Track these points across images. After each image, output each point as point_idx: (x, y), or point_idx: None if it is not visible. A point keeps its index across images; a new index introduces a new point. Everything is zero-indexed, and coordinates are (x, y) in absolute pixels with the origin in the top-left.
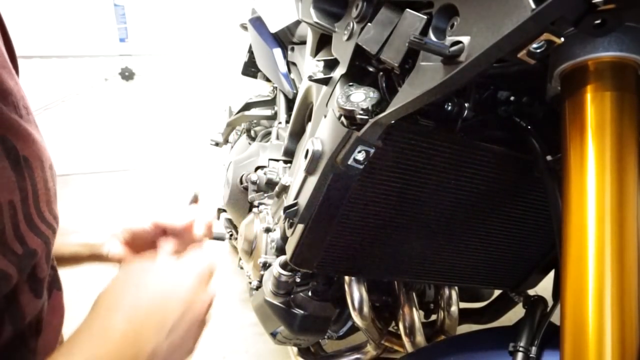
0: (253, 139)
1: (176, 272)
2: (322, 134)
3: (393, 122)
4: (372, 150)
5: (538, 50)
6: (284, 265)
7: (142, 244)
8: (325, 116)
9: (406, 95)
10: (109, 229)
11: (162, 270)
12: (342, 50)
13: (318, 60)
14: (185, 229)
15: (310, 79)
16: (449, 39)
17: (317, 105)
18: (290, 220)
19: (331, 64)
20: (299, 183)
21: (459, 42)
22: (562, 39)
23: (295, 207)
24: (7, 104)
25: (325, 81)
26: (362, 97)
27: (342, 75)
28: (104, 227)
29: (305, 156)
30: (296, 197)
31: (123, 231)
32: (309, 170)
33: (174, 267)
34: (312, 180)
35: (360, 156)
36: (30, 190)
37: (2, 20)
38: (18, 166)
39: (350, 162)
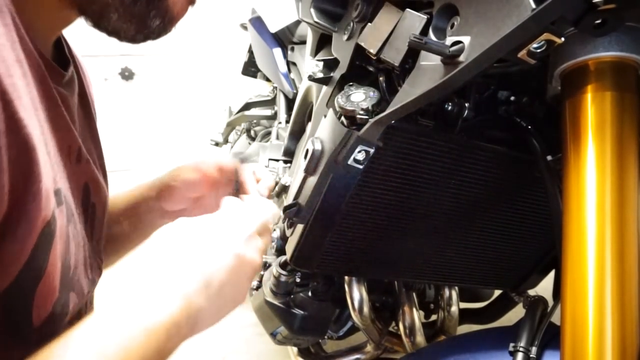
0: (253, 139)
1: (226, 230)
2: (322, 134)
3: (393, 122)
4: (372, 151)
5: (538, 50)
6: (283, 266)
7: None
8: (325, 116)
9: (406, 95)
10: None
11: (210, 228)
12: (342, 50)
13: (318, 60)
14: (245, 183)
15: (310, 78)
16: (449, 39)
17: (317, 105)
18: (290, 220)
19: (331, 64)
20: (298, 183)
21: (459, 42)
22: (563, 39)
23: (295, 207)
24: (83, 154)
25: (325, 81)
26: (362, 97)
27: (342, 75)
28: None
29: (305, 156)
30: (296, 197)
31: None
32: (309, 170)
33: (224, 224)
34: (312, 180)
35: (360, 156)
36: (88, 237)
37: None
38: (86, 213)
39: (350, 162)
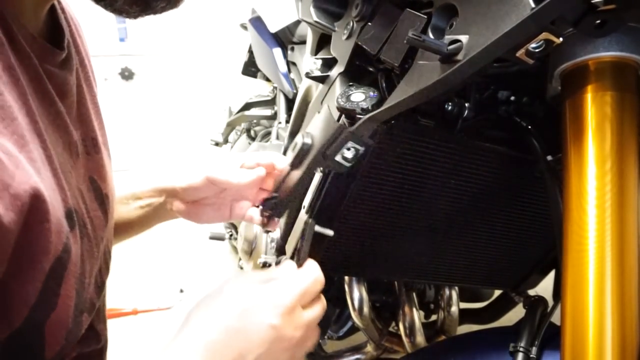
0: (253, 138)
1: (263, 305)
2: (313, 129)
3: (393, 122)
4: (361, 150)
5: (537, 50)
6: None
7: (196, 195)
8: (319, 112)
9: (401, 93)
10: (161, 185)
11: (250, 300)
12: (340, 49)
13: (316, 58)
14: (247, 186)
15: (308, 76)
16: (447, 37)
17: (312, 102)
18: (267, 214)
19: (329, 63)
20: (282, 176)
21: (458, 40)
22: (561, 39)
23: (274, 200)
24: (89, 141)
25: (322, 79)
26: (362, 97)
27: (340, 74)
28: (156, 183)
29: (293, 149)
30: (276, 190)
31: (178, 188)
32: (294, 164)
33: (262, 298)
34: (296, 174)
35: (349, 154)
36: (102, 228)
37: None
38: (103, 206)
39: (338, 157)
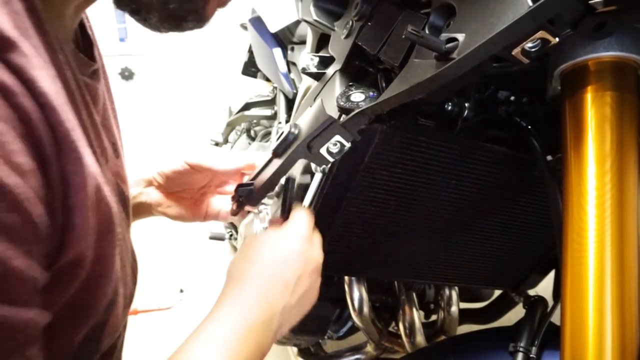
0: (253, 139)
1: (287, 239)
2: (302, 121)
3: (393, 122)
4: (347, 146)
5: (533, 50)
6: None
7: (176, 184)
8: (310, 106)
9: (395, 88)
10: (140, 176)
11: (276, 240)
12: (339, 47)
13: (313, 55)
14: (231, 172)
15: (304, 71)
16: (444, 36)
17: (306, 98)
18: (239, 200)
19: (326, 61)
20: (262, 164)
21: (455, 39)
22: (557, 39)
23: (249, 188)
24: (111, 146)
25: (317, 76)
26: (362, 97)
27: (338, 71)
28: (134, 175)
29: (278, 137)
30: (254, 178)
31: (157, 175)
32: (277, 152)
33: (284, 235)
34: (277, 163)
35: (334, 149)
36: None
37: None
38: (126, 209)
39: (322, 150)
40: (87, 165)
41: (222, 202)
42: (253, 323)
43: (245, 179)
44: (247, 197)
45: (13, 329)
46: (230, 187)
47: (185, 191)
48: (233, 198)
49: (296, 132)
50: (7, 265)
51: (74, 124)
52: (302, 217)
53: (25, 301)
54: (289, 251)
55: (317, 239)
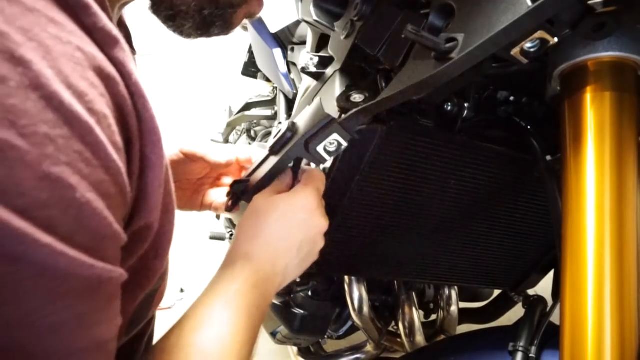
0: (253, 139)
1: (295, 202)
2: (301, 119)
3: (393, 122)
4: (344, 144)
5: (532, 50)
6: None
7: (173, 174)
8: (309, 105)
9: (394, 87)
10: None
11: (283, 203)
12: (338, 47)
13: (313, 55)
14: (223, 165)
15: (303, 71)
16: (443, 36)
17: (305, 97)
18: (234, 197)
19: (326, 61)
20: (258, 161)
21: (454, 39)
22: (556, 39)
23: (244, 184)
24: None
25: (317, 75)
26: (362, 99)
27: (338, 71)
28: None
29: (276, 134)
30: (250, 175)
31: None
32: (274, 149)
33: (292, 199)
34: (273, 160)
35: (332, 147)
36: None
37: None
38: None
39: (319, 148)
40: (162, 148)
41: (218, 193)
42: (261, 277)
43: (243, 175)
44: (242, 193)
45: (108, 283)
46: (229, 180)
47: (183, 182)
48: (228, 194)
49: (294, 129)
50: (110, 229)
51: (154, 110)
52: (316, 175)
53: (117, 260)
54: (297, 213)
55: (322, 206)
